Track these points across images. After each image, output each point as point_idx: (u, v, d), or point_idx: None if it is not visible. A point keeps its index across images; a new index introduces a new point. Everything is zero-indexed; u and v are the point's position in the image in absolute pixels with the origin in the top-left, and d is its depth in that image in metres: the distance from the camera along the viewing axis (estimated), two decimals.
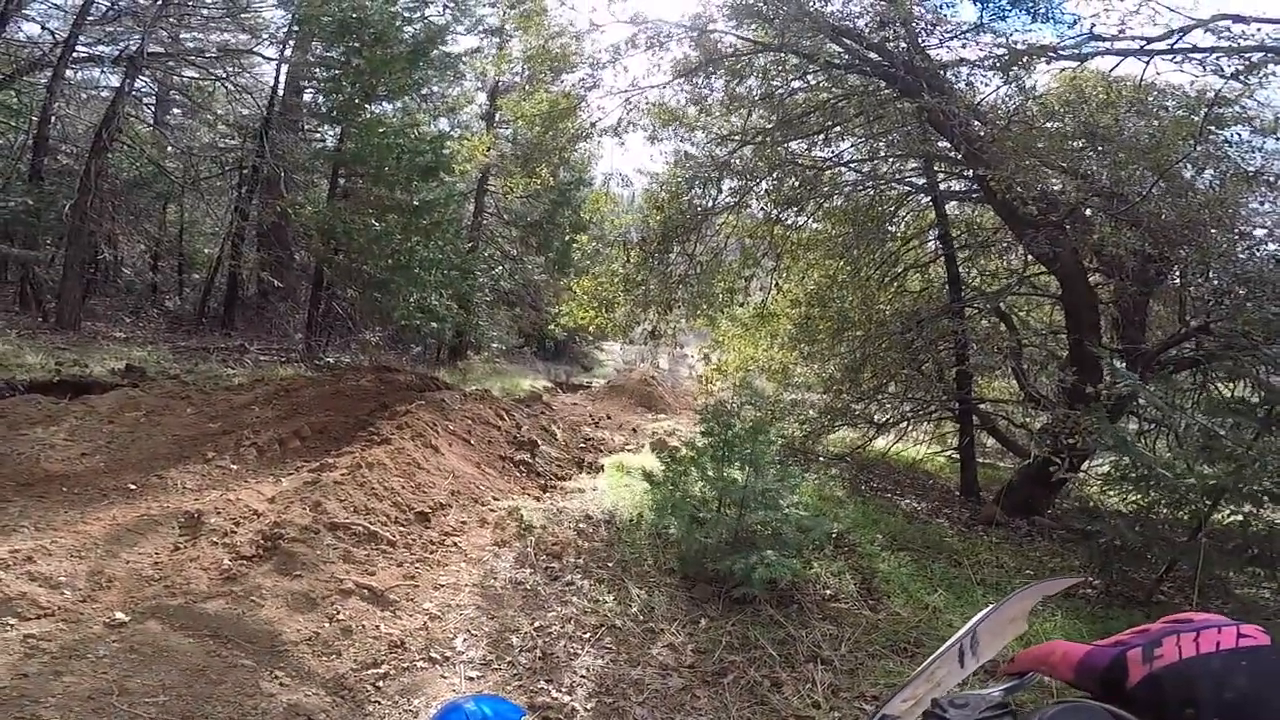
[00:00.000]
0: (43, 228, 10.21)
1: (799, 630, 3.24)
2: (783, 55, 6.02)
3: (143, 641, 2.41)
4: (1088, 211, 5.37)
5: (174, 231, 13.22)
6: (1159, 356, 5.62)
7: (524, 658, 2.80)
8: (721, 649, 3.01)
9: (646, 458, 6.49)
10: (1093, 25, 4.77)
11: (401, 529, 3.82)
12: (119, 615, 2.53)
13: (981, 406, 7.87)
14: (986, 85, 5.67)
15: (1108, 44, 4.79)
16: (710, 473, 4.10)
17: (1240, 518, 3.63)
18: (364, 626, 2.82)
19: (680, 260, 7.25)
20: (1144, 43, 4.64)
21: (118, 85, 10.89)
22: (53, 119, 10.58)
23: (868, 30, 5.52)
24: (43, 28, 11.30)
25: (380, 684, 2.50)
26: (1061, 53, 5.00)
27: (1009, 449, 8.30)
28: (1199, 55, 4.48)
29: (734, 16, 6.05)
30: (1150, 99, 4.86)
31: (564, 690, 2.59)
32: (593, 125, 7.21)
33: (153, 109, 13.24)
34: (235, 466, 4.47)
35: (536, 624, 3.09)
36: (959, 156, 5.50)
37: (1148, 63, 4.76)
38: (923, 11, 5.57)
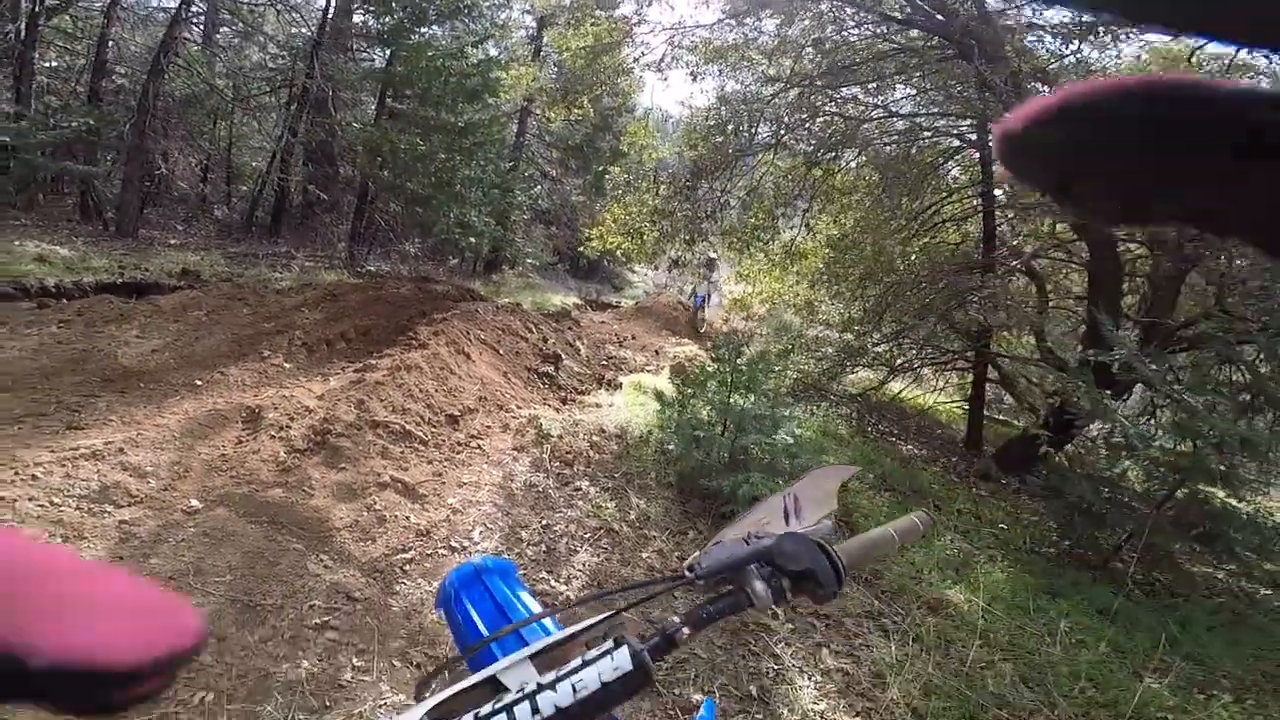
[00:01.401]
0: (101, 145, 10.69)
1: None
2: (838, 4, 5.81)
3: (213, 527, 2.73)
4: None
5: (223, 146, 13.54)
6: (1178, 332, 5.63)
7: (530, 551, 3.24)
8: None
9: (663, 380, 6.85)
10: None
11: (433, 429, 4.20)
12: (194, 503, 2.89)
13: (1001, 362, 7.97)
14: (1065, 50, 5.46)
15: None
16: (714, 396, 4.42)
17: (1199, 495, 3.83)
18: (396, 516, 3.22)
19: (709, 197, 7.29)
20: None
21: (173, 9, 10.97)
22: (110, 42, 10.86)
23: None
24: None
25: (407, 567, 2.89)
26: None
27: (1023, 406, 8.43)
28: None
29: None
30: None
31: (560, 580, 3.04)
32: (636, 61, 7.11)
33: (202, 29, 13.28)
34: (288, 365, 4.89)
35: (544, 522, 3.52)
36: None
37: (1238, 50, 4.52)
38: None
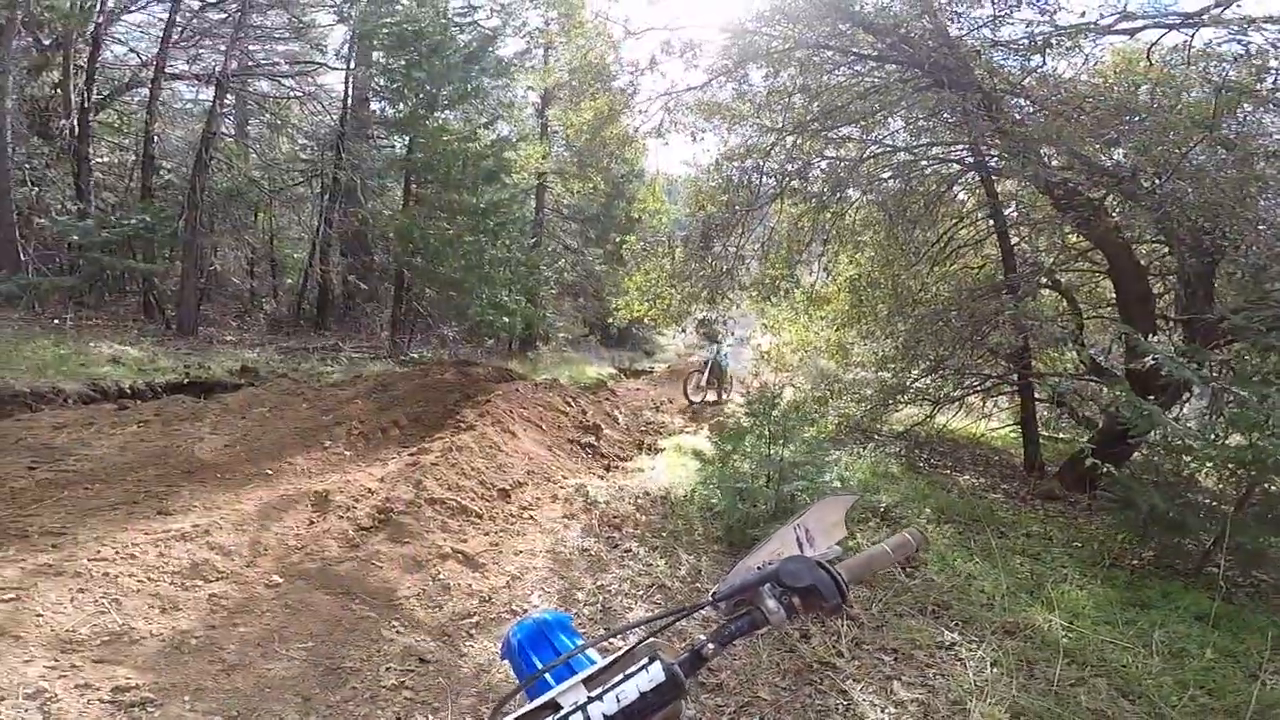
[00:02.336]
0: (158, 241, 11.36)
1: None
2: (817, 50, 6.18)
3: (294, 598, 2.97)
4: (1101, 194, 5.32)
5: (265, 239, 14.40)
6: (1219, 326, 5.51)
7: (587, 610, 3.33)
8: None
9: (702, 439, 6.92)
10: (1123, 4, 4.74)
11: (486, 503, 4.41)
12: (275, 577, 3.14)
13: (1050, 379, 7.80)
14: (1030, 63, 5.68)
15: (1150, 19, 4.76)
16: (751, 449, 4.50)
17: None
18: (459, 584, 3.39)
19: (724, 255, 7.55)
20: (1183, 17, 4.60)
21: (209, 103, 11.88)
22: (154, 137, 11.74)
23: (892, 23, 5.63)
24: (129, 49, 12.59)
25: (473, 631, 3.03)
26: (1102, 28, 4.99)
27: (1080, 423, 8.18)
28: (1238, 25, 4.39)
29: (760, 20, 6.25)
30: (1188, 73, 4.79)
31: (618, 636, 3.11)
32: (636, 130, 7.59)
33: (235, 122, 14.30)
34: (348, 453, 5.21)
35: (598, 583, 3.62)
36: (995, 140, 5.55)
37: (1191, 36, 4.70)
38: (945, 1, 5.61)
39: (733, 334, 10.78)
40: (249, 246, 14.20)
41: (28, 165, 10.48)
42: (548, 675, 0.92)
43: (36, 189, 10.52)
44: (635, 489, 5.17)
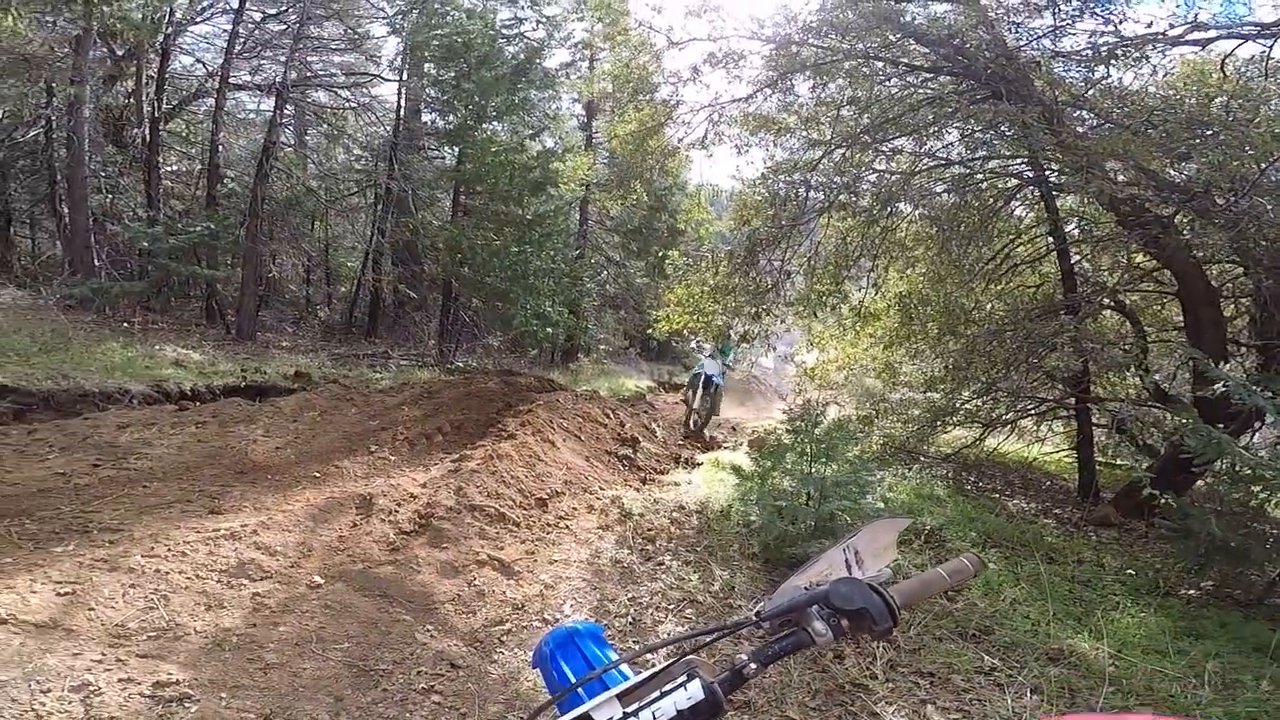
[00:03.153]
0: (221, 248, 11.90)
1: None
2: (865, 61, 6.08)
3: (333, 600, 3.00)
4: (1172, 211, 5.05)
5: (321, 247, 14.96)
6: None
7: (618, 622, 3.30)
8: None
9: (741, 455, 6.84)
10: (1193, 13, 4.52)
11: (524, 512, 4.45)
12: (317, 578, 3.21)
13: (1110, 404, 7.45)
14: (1094, 75, 5.47)
15: (1223, 29, 4.53)
16: (791, 467, 4.42)
17: None
18: (494, 591, 3.42)
19: (769, 270, 7.46)
20: (1260, 28, 4.36)
21: (270, 113, 12.38)
22: (219, 146, 12.24)
23: (946, 34, 5.50)
24: (196, 60, 13.23)
25: (504, 638, 3.04)
26: (1171, 39, 4.77)
27: (1139, 449, 7.78)
28: None
29: (807, 32, 6.19)
30: (1266, 86, 4.53)
31: (654, 652, 3.08)
32: (680, 141, 7.58)
33: (294, 132, 14.87)
34: (393, 458, 5.34)
35: (630, 595, 3.59)
36: (1057, 154, 5.36)
37: (1269, 47, 4.44)
38: (1003, 12, 5.45)
39: (733, 340, 8.99)
40: (305, 255, 14.80)
41: (103, 173, 11.10)
42: (580, 690, 0.91)
43: (111, 196, 11.14)
44: (670, 502, 5.15)
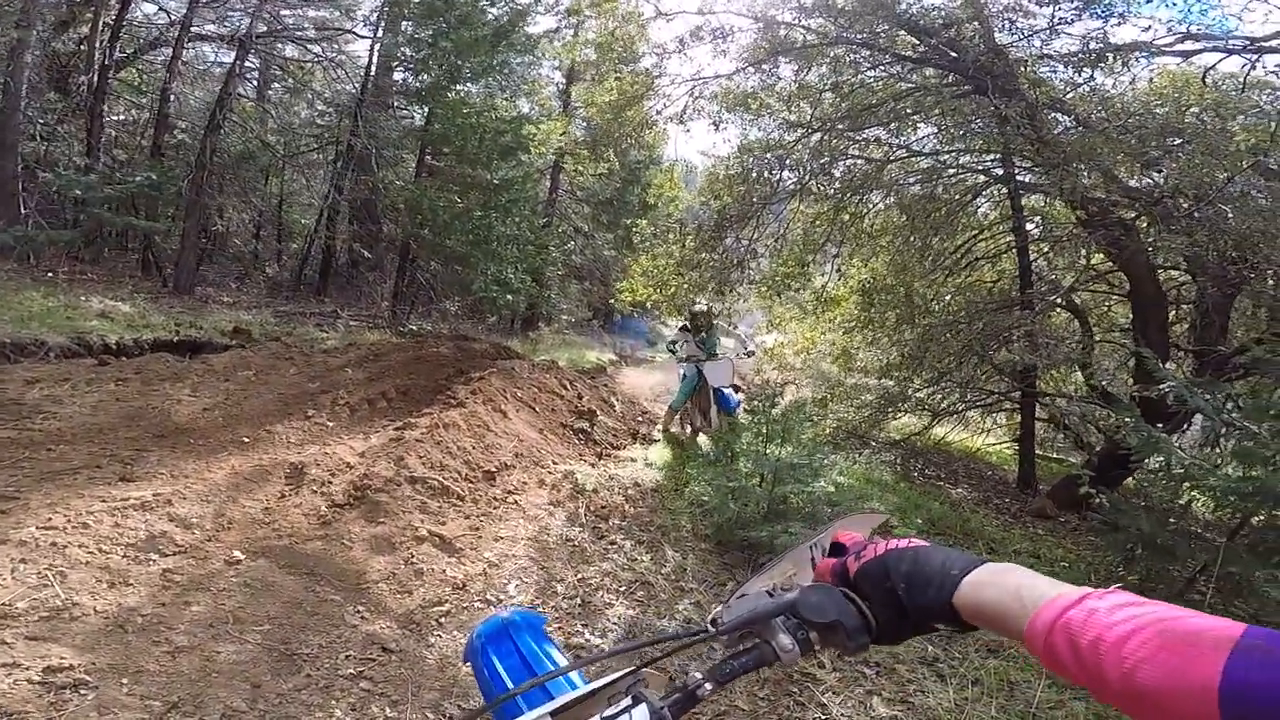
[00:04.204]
0: (163, 200, 11.28)
1: None
2: (853, 48, 5.99)
3: (254, 577, 2.80)
4: (1133, 216, 5.17)
5: (274, 203, 14.30)
6: (1233, 359, 5.39)
7: (565, 604, 3.19)
8: None
9: (706, 440, 6.78)
10: (1188, 25, 4.55)
11: (470, 485, 4.25)
12: (236, 554, 2.96)
13: (1055, 400, 7.72)
14: (1078, 78, 5.49)
15: (1211, 41, 4.56)
16: (747, 447, 4.36)
17: (1277, 520, 3.60)
18: (433, 570, 3.23)
19: (736, 247, 7.38)
20: (1248, 42, 4.40)
21: (229, 64, 11.78)
22: (171, 97, 11.62)
23: (940, 24, 5.43)
24: (160, 8, 12.41)
25: (442, 620, 2.88)
26: (1158, 48, 4.80)
27: (1077, 445, 8.11)
28: None
29: (800, 13, 6.04)
30: (1242, 99, 4.61)
31: (596, 633, 2.98)
32: (659, 113, 7.39)
33: (256, 85, 14.23)
34: (331, 423, 5.04)
35: (579, 576, 3.48)
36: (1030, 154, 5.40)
37: (1254, 61, 4.50)
38: (999, 8, 5.41)
39: (717, 327, 7.03)
40: (256, 210, 14.04)
41: (40, 120, 10.38)
42: (519, 699, 0.83)
43: (46, 144, 10.40)
44: (626, 479, 5.04)
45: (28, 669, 1.98)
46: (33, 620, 2.23)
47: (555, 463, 5.26)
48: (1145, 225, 5.17)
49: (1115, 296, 7.33)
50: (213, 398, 5.18)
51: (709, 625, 0.73)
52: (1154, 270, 5.59)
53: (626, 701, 0.64)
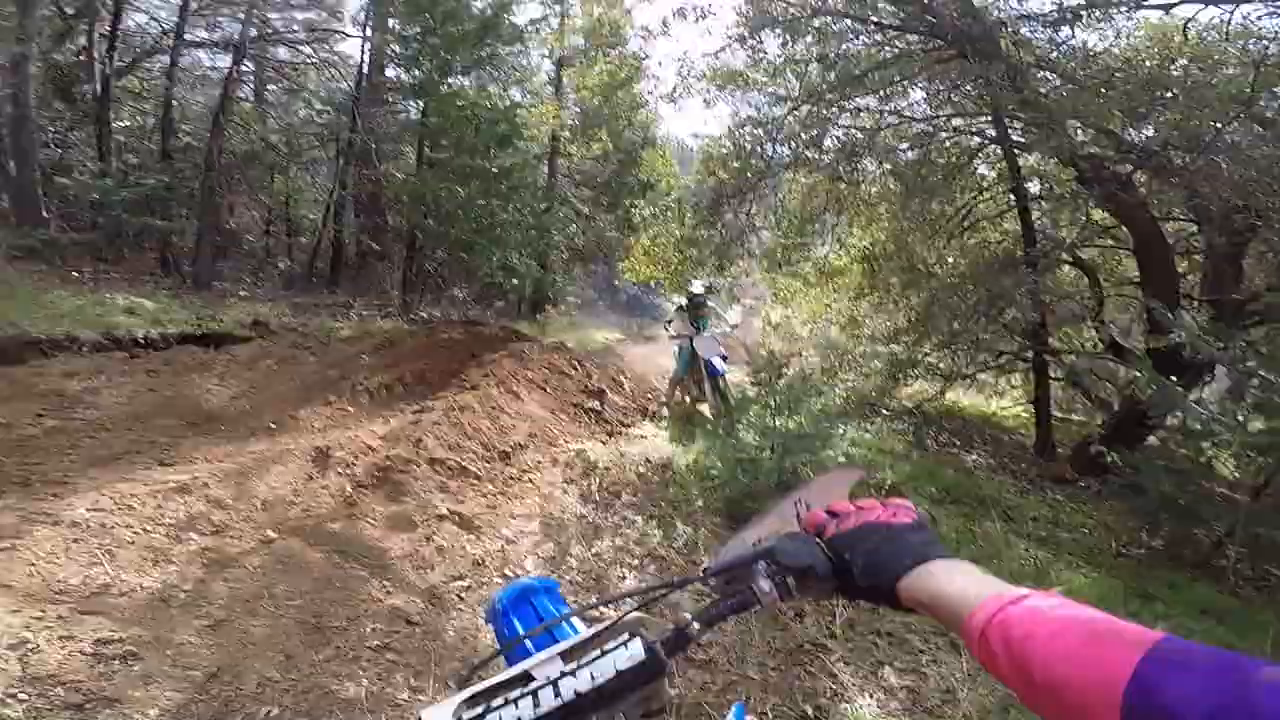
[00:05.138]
0: (176, 201, 11.58)
1: None
2: (835, 17, 5.92)
3: (285, 555, 2.94)
4: (1129, 169, 5.08)
5: (282, 200, 14.48)
6: (1247, 306, 5.31)
7: (579, 578, 3.32)
8: None
9: (707, 408, 6.83)
10: None
11: (486, 465, 4.39)
12: (269, 533, 3.14)
13: (1065, 359, 7.60)
14: (1057, 37, 5.39)
15: None
16: (755, 420, 4.42)
17: None
18: (453, 546, 3.37)
19: (735, 223, 7.37)
20: None
21: (226, 69, 12.05)
22: (173, 102, 11.91)
23: None
24: (151, 17, 12.59)
25: (463, 594, 3.02)
26: (1138, 1, 4.70)
27: (1095, 404, 8.00)
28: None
29: None
30: (1226, 50, 4.51)
31: (605, 607, 3.10)
32: (650, 94, 7.37)
33: (253, 87, 14.40)
34: (351, 409, 5.21)
35: (593, 550, 3.60)
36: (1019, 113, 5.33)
37: (1232, 10, 4.40)
38: None
39: (709, 306, 6.80)
40: (265, 207, 14.27)
41: (51, 129, 10.71)
42: (528, 642, 0.90)
43: (60, 151, 10.73)
44: (636, 456, 5.12)
45: (81, 641, 2.14)
46: (84, 596, 2.41)
47: (567, 441, 5.37)
48: (1142, 179, 5.11)
49: (1124, 251, 7.22)
50: (239, 386, 5.38)
51: (700, 572, 0.80)
52: (1156, 222, 5.51)
53: (624, 637, 0.70)
